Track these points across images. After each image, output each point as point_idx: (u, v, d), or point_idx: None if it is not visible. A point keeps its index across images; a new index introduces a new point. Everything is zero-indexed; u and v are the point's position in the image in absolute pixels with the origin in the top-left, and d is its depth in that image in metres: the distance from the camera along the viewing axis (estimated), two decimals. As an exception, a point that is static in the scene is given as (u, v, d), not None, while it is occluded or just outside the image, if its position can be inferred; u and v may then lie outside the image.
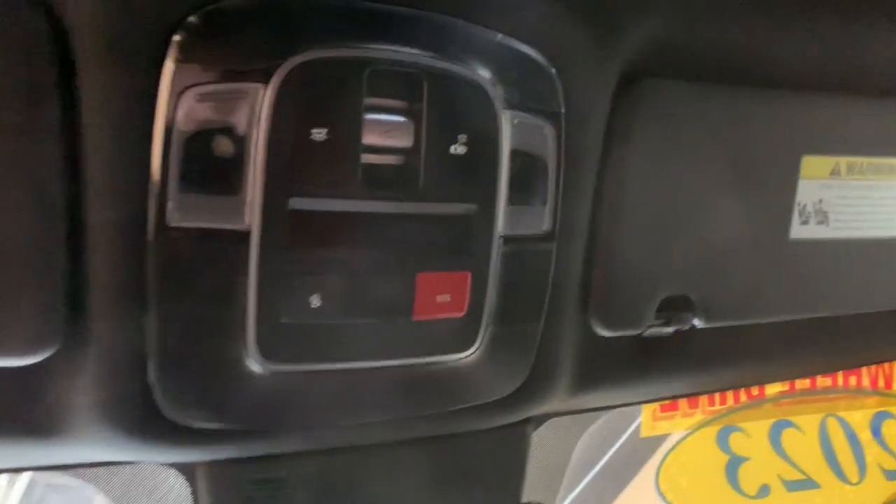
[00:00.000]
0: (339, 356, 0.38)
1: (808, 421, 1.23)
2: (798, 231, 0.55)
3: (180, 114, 0.32)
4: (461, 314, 0.40)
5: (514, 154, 0.39)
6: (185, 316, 0.35)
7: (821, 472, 1.24)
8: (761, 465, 1.21)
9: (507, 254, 0.40)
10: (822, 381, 1.23)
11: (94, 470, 0.54)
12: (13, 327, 0.33)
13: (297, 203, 0.35)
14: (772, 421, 1.21)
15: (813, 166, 0.54)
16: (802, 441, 1.23)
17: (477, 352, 0.42)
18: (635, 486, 1.17)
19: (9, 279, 0.32)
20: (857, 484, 1.26)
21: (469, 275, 0.40)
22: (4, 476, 1.50)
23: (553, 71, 0.40)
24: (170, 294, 0.34)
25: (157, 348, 0.35)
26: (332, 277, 0.36)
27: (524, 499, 0.52)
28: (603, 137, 0.45)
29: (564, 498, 1.18)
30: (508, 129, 0.38)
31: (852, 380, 1.25)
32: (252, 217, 0.34)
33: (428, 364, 0.41)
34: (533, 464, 0.56)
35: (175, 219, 0.33)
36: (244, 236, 0.34)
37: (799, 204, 0.54)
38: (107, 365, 0.35)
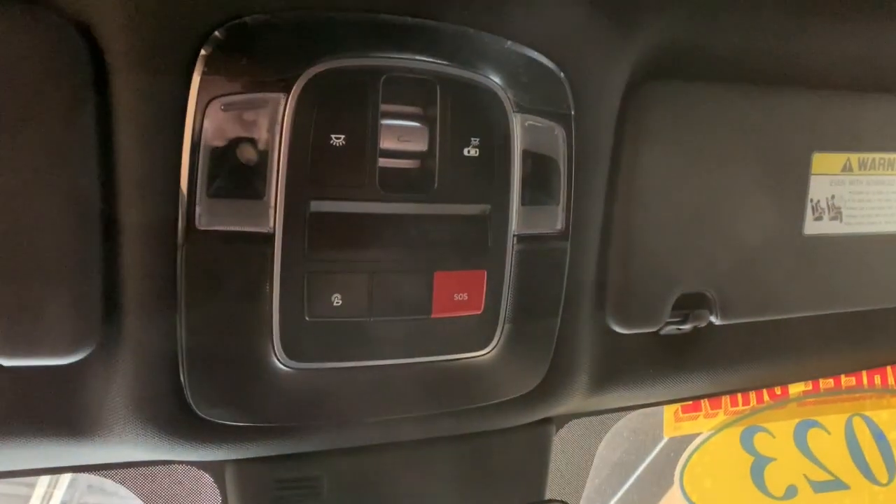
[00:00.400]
0: (362, 354, 0.40)
1: (834, 421, 1.21)
2: (812, 227, 0.55)
3: (207, 123, 0.34)
4: (478, 312, 0.41)
5: (526, 155, 0.40)
6: (213, 315, 0.37)
7: (849, 472, 1.22)
8: (787, 466, 1.19)
9: (521, 252, 0.42)
10: (847, 380, 1.21)
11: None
12: (54, 328, 0.35)
13: (317, 206, 0.36)
14: (796, 421, 1.19)
15: (824, 163, 0.54)
16: (829, 441, 1.21)
17: (495, 349, 0.43)
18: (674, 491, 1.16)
19: (48, 282, 0.34)
20: (886, 485, 1.24)
21: (485, 273, 0.41)
22: (38, 496, 1.53)
23: (562, 75, 0.41)
24: (199, 294, 0.36)
25: (187, 347, 0.37)
26: (352, 277, 0.38)
27: (547, 497, 0.53)
28: (614, 138, 0.46)
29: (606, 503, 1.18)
30: (520, 132, 0.40)
31: (877, 379, 1.23)
32: (275, 220, 0.36)
33: (448, 361, 0.42)
34: (556, 463, 0.57)
35: (203, 222, 0.35)
36: (268, 238, 0.36)
37: (812, 200, 0.55)
38: (141, 364, 0.37)
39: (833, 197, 0.55)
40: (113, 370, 0.37)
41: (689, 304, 0.52)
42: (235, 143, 0.35)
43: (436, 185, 0.38)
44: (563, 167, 0.42)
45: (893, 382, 1.24)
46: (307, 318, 0.37)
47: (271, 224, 0.36)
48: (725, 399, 1.15)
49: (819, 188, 0.54)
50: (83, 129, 0.34)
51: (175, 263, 0.35)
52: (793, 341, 0.58)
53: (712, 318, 0.53)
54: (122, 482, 0.53)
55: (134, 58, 0.33)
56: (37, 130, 0.33)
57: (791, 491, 1.20)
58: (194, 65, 0.33)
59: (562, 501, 0.54)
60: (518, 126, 0.40)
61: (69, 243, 0.34)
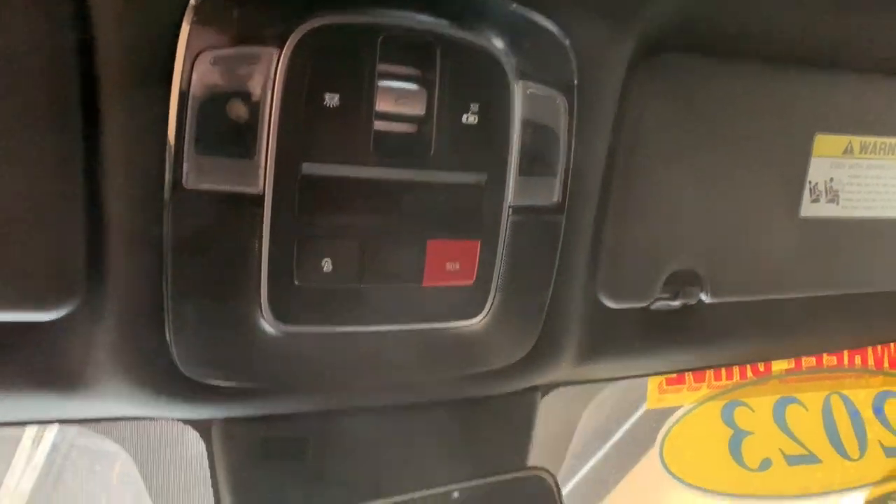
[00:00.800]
0: (350, 320, 0.39)
1: (813, 398, 1.24)
2: (808, 209, 0.55)
3: (195, 77, 0.32)
4: (470, 281, 0.41)
5: (526, 125, 0.39)
6: (200, 276, 0.36)
7: (822, 447, 1.25)
8: (764, 440, 1.22)
9: (516, 223, 0.41)
10: (828, 359, 1.24)
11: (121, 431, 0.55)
12: (35, 283, 0.34)
13: (309, 168, 0.35)
14: (776, 397, 1.22)
15: (825, 145, 0.54)
16: (806, 417, 1.24)
17: (485, 319, 0.43)
18: (648, 459, 1.18)
19: (30, 236, 0.33)
20: (857, 460, 1.27)
21: (478, 243, 0.40)
22: (29, 437, 1.54)
23: (567, 42, 0.40)
24: (185, 254, 0.35)
25: (173, 307, 0.36)
26: (343, 242, 0.37)
27: (530, 464, 0.53)
28: (615, 111, 0.45)
29: (579, 468, 1.20)
30: (520, 100, 0.39)
31: (857, 359, 1.26)
32: (265, 181, 0.35)
33: (437, 329, 0.42)
34: (539, 431, 0.57)
35: (191, 181, 0.34)
36: (258, 200, 0.35)
37: (810, 182, 0.54)
38: (125, 321, 0.36)
39: (832, 180, 0.55)
40: (97, 327, 0.36)
41: (681, 281, 0.52)
42: (225, 98, 0.33)
43: (432, 151, 0.37)
44: (562, 138, 0.41)
45: (872, 363, 1.27)
46: (296, 282, 0.37)
47: (261, 185, 0.35)
48: (709, 373, 1.17)
49: (819, 170, 0.54)
50: (67, 83, 0.32)
51: (161, 222, 0.34)
52: (782, 320, 0.58)
53: (702, 296, 0.53)
54: (94, 429, 0.53)
55: (120, 7, 0.32)
56: (19, 83, 0.31)
57: (766, 463, 1.23)
58: (183, 15, 0.32)
59: (544, 468, 0.55)
60: (519, 93, 0.38)
61: (51, 200, 0.33)
